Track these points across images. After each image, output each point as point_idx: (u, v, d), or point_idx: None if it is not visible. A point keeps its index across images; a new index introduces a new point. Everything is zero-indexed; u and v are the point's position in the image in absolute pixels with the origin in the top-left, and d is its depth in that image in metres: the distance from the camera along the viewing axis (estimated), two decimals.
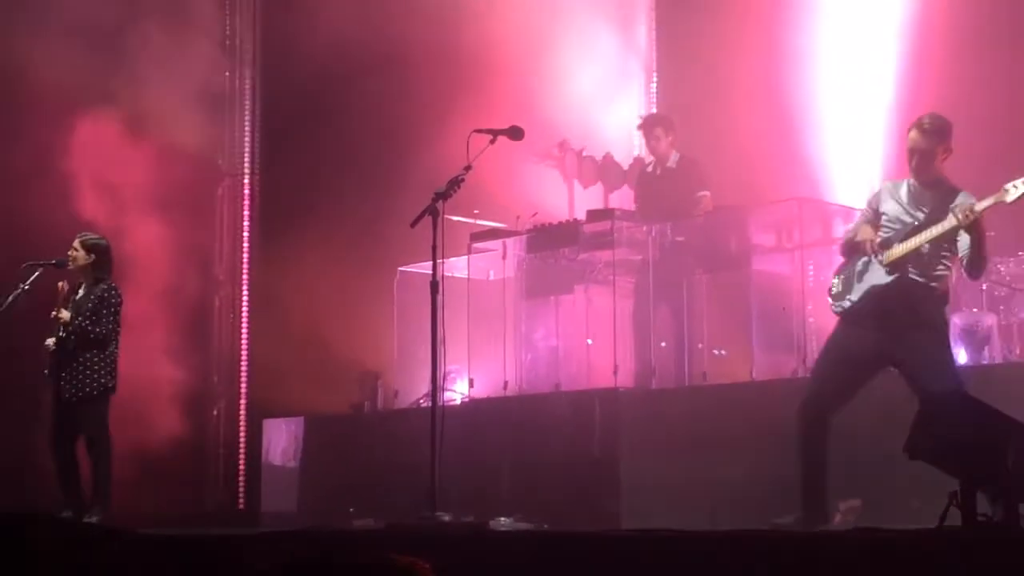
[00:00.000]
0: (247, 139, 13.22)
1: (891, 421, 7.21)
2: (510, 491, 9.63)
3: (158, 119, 12.13)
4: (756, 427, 8.84)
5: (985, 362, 9.37)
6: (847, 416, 7.60)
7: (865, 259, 7.40)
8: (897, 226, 7.35)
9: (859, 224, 7.59)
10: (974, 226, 7.03)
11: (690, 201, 10.47)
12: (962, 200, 7.19)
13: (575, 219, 10.81)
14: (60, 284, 9.29)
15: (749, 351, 9.82)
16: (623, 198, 12.19)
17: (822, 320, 9.93)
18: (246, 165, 13.18)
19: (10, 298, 9.34)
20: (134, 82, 11.94)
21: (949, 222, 7.11)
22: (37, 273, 9.37)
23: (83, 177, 11.60)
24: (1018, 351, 9.77)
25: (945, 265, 7.33)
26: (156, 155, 12.09)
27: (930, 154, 7.28)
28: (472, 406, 10.63)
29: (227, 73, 13.19)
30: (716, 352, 10.43)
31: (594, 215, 10.62)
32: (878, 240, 7.35)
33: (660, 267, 10.29)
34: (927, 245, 7.20)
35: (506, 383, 10.75)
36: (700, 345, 10.26)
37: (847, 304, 7.45)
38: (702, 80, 12.59)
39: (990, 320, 9.59)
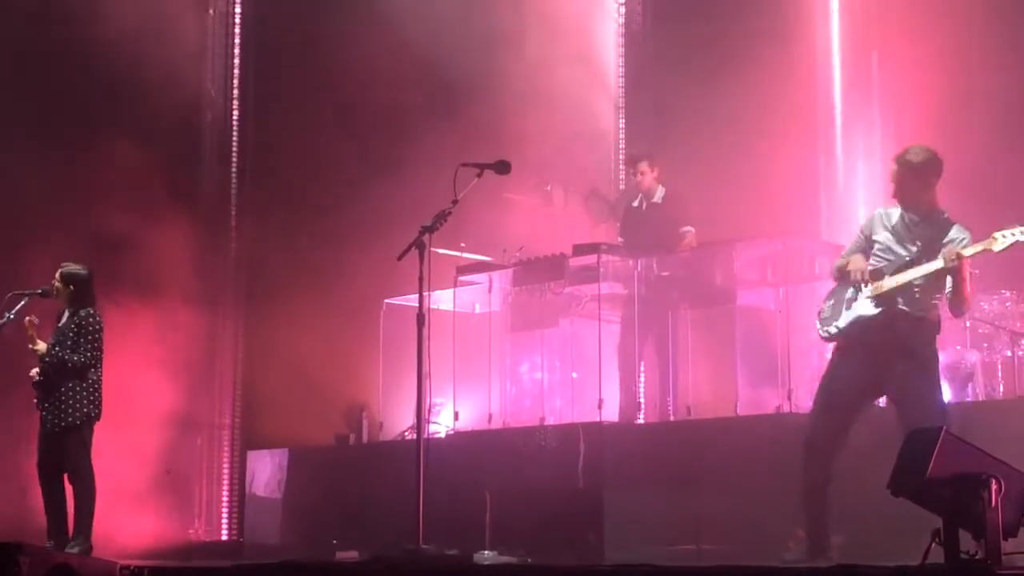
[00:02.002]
0: (233, 170, 13.24)
1: (875, 458, 7.23)
2: (494, 524, 9.60)
3: (143, 148, 12.14)
4: (741, 462, 8.85)
5: (969, 399, 9.41)
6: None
7: (854, 288, 7.48)
8: (889, 256, 7.44)
9: (851, 251, 7.66)
10: (957, 270, 7.11)
11: (675, 236, 10.50)
12: (955, 234, 7.28)
13: (561, 253, 10.84)
14: (27, 320, 9.27)
15: (734, 386, 9.83)
16: (608, 232, 12.22)
17: (807, 356, 9.98)
18: (232, 196, 13.18)
19: None
20: (124, 114, 11.97)
21: (935, 264, 7.19)
22: (23, 302, 9.35)
23: (67, 207, 11.60)
24: (1001, 388, 9.80)
25: (935, 297, 7.40)
26: (143, 186, 12.10)
27: (914, 188, 7.37)
28: (457, 439, 10.61)
29: (213, 96, 13.22)
30: None
31: (580, 249, 10.63)
32: (868, 270, 7.43)
33: (645, 301, 10.31)
34: (918, 281, 7.27)
35: (491, 416, 10.75)
36: (684, 380, 10.28)
37: (833, 330, 7.56)
38: (689, 115, 12.64)
39: (974, 357, 9.63)
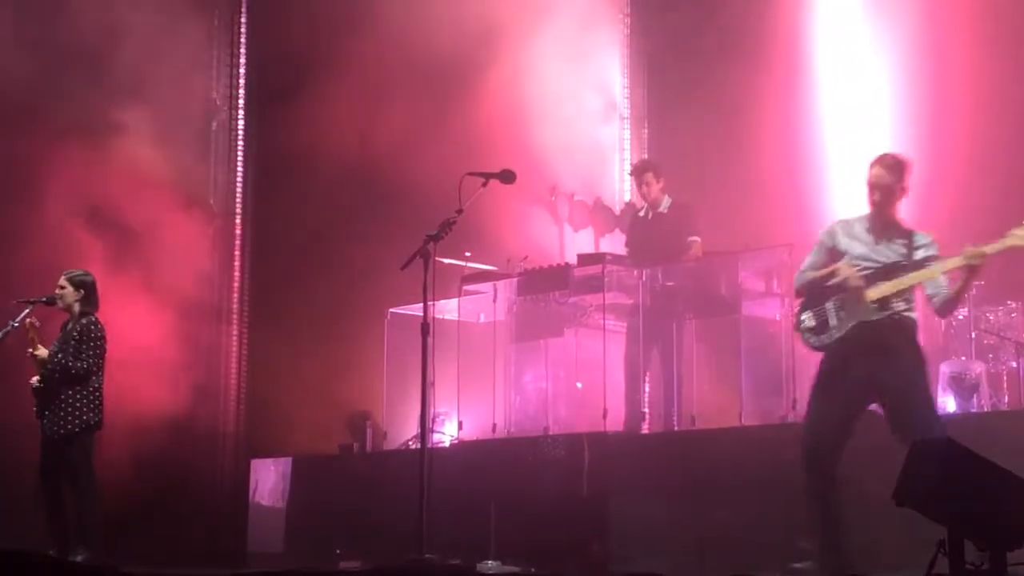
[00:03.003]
0: (239, 179, 13.23)
1: (879, 468, 7.22)
2: (498, 534, 9.60)
3: (149, 158, 12.17)
4: (745, 472, 8.84)
5: (974, 410, 9.39)
6: None
7: (841, 296, 7.46)
8: (870, 263, 7.45)
9: (814, 263, 7.66)
10: (975, 268, 7.17)
11: (681, 246, 10.50)
12: (921, 239, 7.42)
13: (566, 263, 10.83)
14: (28, 322, 9.29)
15: (738, 396, 9.83)
16: (614, 242, 12.23)
17: (812, 366, 9.97)
18: (238, 205, 13.18)
19: (0, 335, 9.32)
20: (130, 121, 11.98)
21: (954, 261, 7.24)
22: (27, 310, 9.35)
23: (75, 215, 11.61)
24: (1007, 399, 9.79)
25: (913, 296, 7.47)
26: (148, 194, 12.11)
27: (891, 190, 7.44)
28: (461, 448, 10.61)
29: (217, 114, 13.23)
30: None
31: (585, 259, 10.64)
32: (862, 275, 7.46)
33: (650, 312, 10.30)
34: (912, 282, 7.35)
35: (495, 425, 10.74)
36: (689, 389, 10.27)
37: (827, 339, 7.52)
38: (693, 125, 12.66)
39: (979, 368, 9.63)
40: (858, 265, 7.47)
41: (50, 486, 9.28)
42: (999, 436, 7.95)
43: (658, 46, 13.89)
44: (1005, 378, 9.96)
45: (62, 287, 9.43)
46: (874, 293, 7.39)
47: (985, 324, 9.98)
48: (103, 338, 9.38)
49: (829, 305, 7.52)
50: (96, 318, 9.41)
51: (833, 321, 7.50)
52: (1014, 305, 10.00)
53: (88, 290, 9.47)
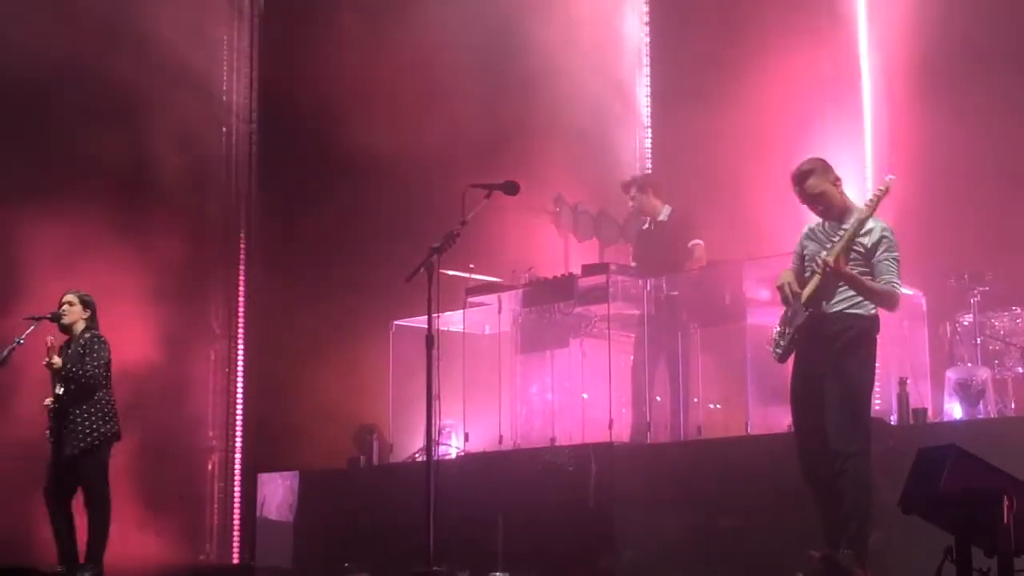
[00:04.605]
0: (243, 193, 13.26)
1: (886, 476, 7.22)
2: (505, 545, 9.60)
3: (155, 174, 12.19)
4: (752, 481, 8.83)
5: (980, 416, 9.38)
6: None
7: (788, 303, 7.49)
8: (815, 264, 7.43)
9: (794, 268, 7.66)
10: (838, 275, 7.14)
11: (684, 251, 10.50)
12: (870, 224, 7.26)
13: (570, 273, 10.83)
14: (49, 339, 9.30)
15: (744, 405, 9.82)
16: (618, 252, 12.23)
17: None
18: (242, 219, 13.20)
19: (6, 352, 9.34)
20: (131, 137, 11.99)
21: (816, 279, 7.25)
22: (32, 327, 9.38)
23: (79, 233, 11.62)
24: (1013, 405, 9.78)
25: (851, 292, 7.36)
26: (153, 210, 12.14)
27: (827, 192, 7.39)
28: (467, 460, 10.61)
29: (223, 128, 13.25)
30: (712, 406, 10.45)
31: (589, 269, 10.64)
32: (795, 282, 7.46)
33: (655, 321, 10.30)
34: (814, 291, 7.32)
35: (501, 437, 10.74)
36: (695, 399, 10.26)
37: (780, 350, 7.55)
38: (699, 133, 12.66)
39: (985, 374, 9.61)
40: (807, 267, 7.48)
41: (58, 503, 9.27)
42: (1005, 442, 7.94)
43: (666, 54, 13.92)
44: (1011, 384, 9.95)
45: (70, 303, 9.45)
46: (803, 297, 7.38)
47: (991, 330, 9.97)
48: (107, 351, 9.39)
49: (787, 315, 7.53)
50: (100, 333, 9.43)
51: (785, 332, 7.50)
52: (1019, 311, 9.99)
53: (93, 309, 9.52)
